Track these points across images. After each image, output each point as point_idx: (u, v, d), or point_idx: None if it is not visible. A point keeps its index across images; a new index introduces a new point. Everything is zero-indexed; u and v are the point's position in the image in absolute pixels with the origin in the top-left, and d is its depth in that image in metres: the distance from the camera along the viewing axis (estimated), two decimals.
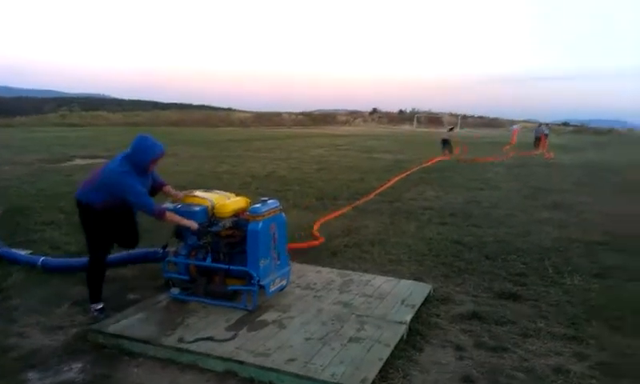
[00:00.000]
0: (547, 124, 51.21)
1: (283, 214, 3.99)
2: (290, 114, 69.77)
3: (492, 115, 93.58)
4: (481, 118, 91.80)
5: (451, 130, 24.43)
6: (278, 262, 3.90)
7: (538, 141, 29.01)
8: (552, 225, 7.18)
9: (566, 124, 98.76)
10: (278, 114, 66.98)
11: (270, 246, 3.78)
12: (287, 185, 10.38)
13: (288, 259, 4.09)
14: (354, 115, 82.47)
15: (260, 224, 3.65)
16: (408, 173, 13.02)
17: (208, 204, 3.82)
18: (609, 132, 79.27)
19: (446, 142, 21.06)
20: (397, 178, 11.69)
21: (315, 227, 6.45)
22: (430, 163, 16.09)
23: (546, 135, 41.97)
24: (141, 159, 3.55)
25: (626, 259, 5.42)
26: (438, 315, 3.84)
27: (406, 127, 69.45)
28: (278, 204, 3.93)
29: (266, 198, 3.90)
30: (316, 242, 5.78)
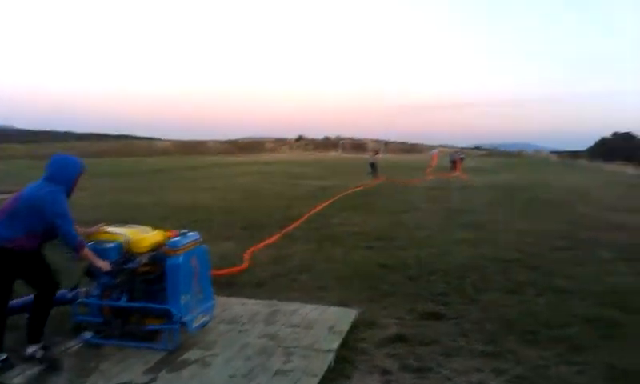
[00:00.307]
0: (462, 149, 54.84)
1: (205, 246, 3.87)
2: (216, 142, 68.80)
3: (412, 141, 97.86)
4: (402, 143, 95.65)
5: (376, 154, 25.55)
6: (201, 297, 3.75)
7: (453, 164, 30.74)
8: (469, 244, 7.54)
9: (478, 148, 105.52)
10: (203, 143, 65.78)
11: (192, 280, 3.64)
12: (212, 215, 10.14)
13: (212, 293, 3.95)
14: (280, 142, 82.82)
15: (180, 258, 3.51)
16: (334, 199, 13.18)
17: (122, 240, 3.62)
18: (518, 154, 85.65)
19: (373, 166, 22.14)
20: (324, 204, 11.80)
21: (246, 257, 6.33)
22: (356, 189, 16.43)
23: (462, 159, 44.75)
24: (67, 177, 3.31)
25: (536, 275, 5.79)
26: (364, 340, 3.86)
27: (332, 153, 70.73)
28: (199, 236, 3.81)
29: (185, 231, 3.76)
30: (238, 268, 5.72)
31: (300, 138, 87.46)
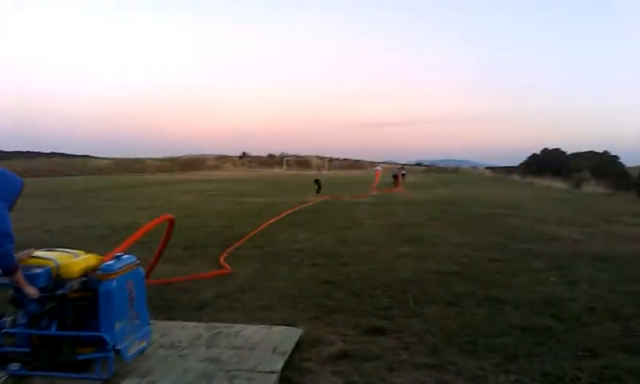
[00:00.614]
0: (403, 165, 56.92)
1: (141, 269, 3.72)
2: (154, 159, 66.90)
3: (356, 157, 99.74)
4: (346, 160, 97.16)
5: (320, 170, 26.03)
6: (137, 322, 3.59)
7: (395, 180, 31.55)
8: (411, 258, 7.72)
9: (419, 164, 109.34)
10: (141, 160, 63.75)
11: (127, 305, 3.47)
12: (150, 236, 9.78)
13: (148, 318, 3.80)
14: (223, 159, 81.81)
15: (114, 283, 3.35)
16: (279, 216, 13.14)
17: (51, 264, 3.41)
18: (456, 170, 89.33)
19: (317, 183, 22.60)
20: (268, 222, 11.72)
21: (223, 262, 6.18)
22: (301, 206, 16.45)
23: (403, 175, 46.17)
24: (9, 192, 3.10)
25: (474, 287, 6.00)
26: (309, 359, 3.83)
27: (276, 170, 70.67)
28: (135, 258, 3.66)
29: (120, 253, 3.60)
30: (224, 271, 6.39)
31: (243, 155, 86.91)
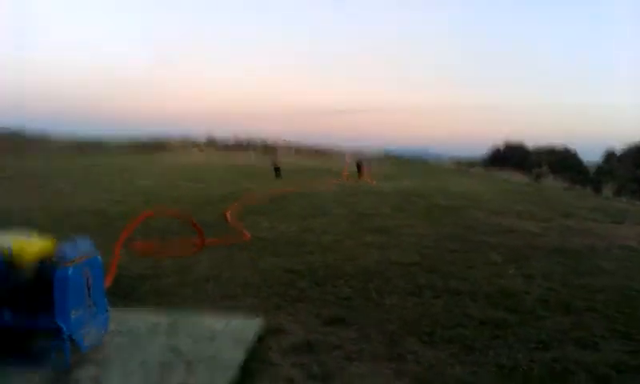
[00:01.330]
0: (370, 155, 57.17)
1: (98, 256, 3.64)
2: (115, 140, 65.02)
3: (325, 145, 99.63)
4: (313, 147, 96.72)
5: (276, 156, 26.28)
6: (94, 311, 3.52)
7: (359, 169, 31.73)
8: (375, 248, 7.84)
9: (387, 154, 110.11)
10: (100, 142, 61.85)
11: (83, 293, 3.40)
12: (109, 221, 9.58)
13: (106, 305, 3.73)
14: (187, 142, 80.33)
15: (70, 269, 3.27)
16: (243, 204, 13.05)
17: (3, 249, 3.30)
18: (422, 161, 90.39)
19: (277, 171, 22.73)
20: (232, 210, 11.63)
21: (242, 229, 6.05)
22: (267, 193, 16.38)
23: (369, 163, 46.30)
24: None
25: (434, 278, 6.16)
26: (270, 349, 3.86)
27: (243, 156, 69.90)
28: (92, 245, 3.58)
29: (77, 238, 3.52)
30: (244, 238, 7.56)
31: (209, 139, 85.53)
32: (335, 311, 4.79)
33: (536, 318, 4.81)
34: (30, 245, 3.43)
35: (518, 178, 35.60)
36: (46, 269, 3.35)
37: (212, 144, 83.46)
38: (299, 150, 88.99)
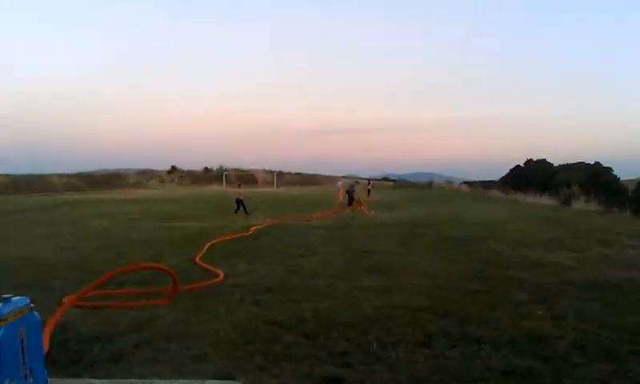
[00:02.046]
0: (370, 180, 57.72)
1: (36, 314, 3.56)
2: (62, 175, 64.86)
3: (310, 171, 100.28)
4: (298, 174, 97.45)
5: (239, 186, 26.46)
6: (31, 381, 3.43)
7: (350, 197, 31.93)
8: (375, 292, 7.79)
9: (386, 179, 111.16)
10: (44, 177, 61.65)
11: (18, 358, 3.31)
12: (54, 272, 9.45)
13: (45, 375, 3.63)
14: (147, 175, 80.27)
15: (1, 330, 3.19)
16: (216, 243, 12.98)
17: None
18: (429, 186, 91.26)
19: (239, 203, 23.82)
20: (202, 252, 11.56)
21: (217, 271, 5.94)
22: (245, 231, 16.33)
23: (368, 191, 46.95)
24: None
25: (447, 324, 6.11)
26: None
27: (215, 187, 70.03)
28: (28, 301, 3.51)
29: (9, 295, 3.44)
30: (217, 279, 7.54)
31: (173, 170, 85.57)
32: (330, 370, 4.71)
33: (570, 367, 4.77)
34: None
35: (543, 201, 35.90)
36: None
37: (177, 175, 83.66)
38: (285, 178, 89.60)
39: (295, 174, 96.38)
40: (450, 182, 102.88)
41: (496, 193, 53.37)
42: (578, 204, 31.56)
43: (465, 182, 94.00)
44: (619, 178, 50.03)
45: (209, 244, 12.73)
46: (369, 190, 49.29)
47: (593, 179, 42.55)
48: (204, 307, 6.91)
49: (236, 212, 23.87)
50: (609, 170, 50.26)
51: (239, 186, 26.79)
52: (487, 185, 67.18)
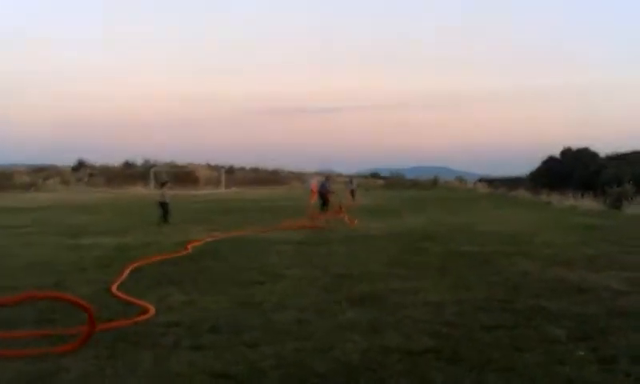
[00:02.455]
0: (351, 178, 57.80)
1: None
2: None
3: (272, 166, 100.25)
4: (255, 170, 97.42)
5: (164, 184, 26.27)
6: None
7: (324, 199, 31.97)
8: (362, 330, 7.80)
9: (376, 175, 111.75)
10: None
11: None
12: None
13: None
14: (44, 173, 79.24)
15: None
16: (140, 266, 12.88)
17: None
18: (433, 184, 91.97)
19: (164, 207, 24.23)
20: (121, 278, 11.46)
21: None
22: (183, 249, 16.24)
23: (352, 191, 47.21)
24: None
25: (458, 372, 6.16)
26: None
27: (139, 189, 69.51)
28: None
29: None
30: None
31: (80, 166, 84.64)
32: None
33: None
34: None
35: (586, 204, 36.48)
36: None
37: (86, 172, 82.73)
38: (237, 175, 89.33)
39: (251, 169, 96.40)
40: (462, 180, 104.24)
41: (523, 193, 54.14)
42: (633, 207, 32.10)
43: (482, 180, 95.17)
44: None
45: (131, 267, 12.61)
46: (352, 191, 49.44)
47: None
48: (124, 355, 6.85)
49: (163, 221, 23.99)
50: None
51: (163, 184, 26.44)
52: (512, 183, 68.03)
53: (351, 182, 52.13)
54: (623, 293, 10.20)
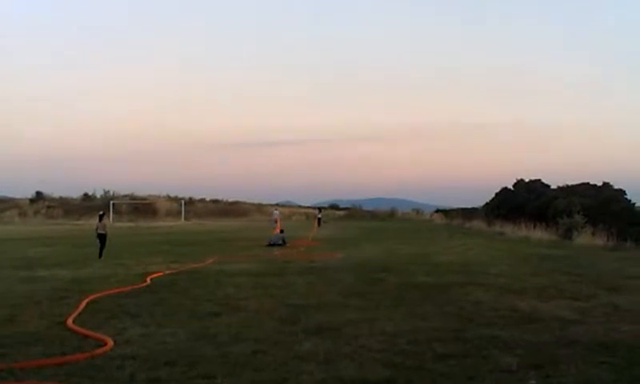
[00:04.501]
0: (319, 208, 60.03)
1: None
2: None
3: (232, 197, 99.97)
4: (215, 202, 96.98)
5: (102, 216, 25.98)
6: None
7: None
8: (318, 361, 7.77)
9: (335, 207, 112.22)
10: None
11: None
12: None
13: None
14: (1, 205, 77.92)
15: None
16: (97, 298, 12.70)
17: None
18: (391, 215, 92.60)
19: (101, 239, 23.95)
20: (77, 311, 11.28)
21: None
22: (142, 282, 16.06)
23: (319, 220, 48.05)
24: None
25: None
26: None
27: (96, 222, 68.40)
28: None
29: None
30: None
31: (38, 197, 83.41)
32: None
33: None
34: None
35: (538, 234, 36.96)
36: None
37: (44, 204, 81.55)
38: (196, 207, 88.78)
39: (211, 201, 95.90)
40: (418, 211, 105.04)
41: (478, 224, 54.69)
42: (582, 238, 32.62)
43: (438, 211, 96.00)
44: (635, 204, 51.53)
45: (87, 300, 12.43)
46: (319, 219, 50.08)
47: (601, 205, 44.07)
48: None
49: (100, 255, 23.45)
50: (621, 192, 51.98)
51: (102, 217, 25.89)
52: (468, 214, 68.64)
53: (319, 211, 55.14)
54: (573, 322, 10.34)
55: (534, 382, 6.81)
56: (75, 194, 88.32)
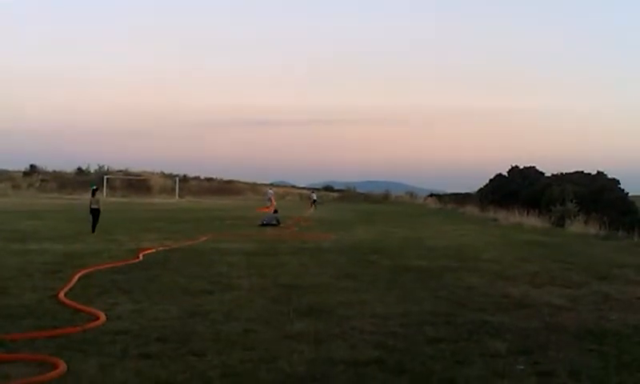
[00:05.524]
0: (313, 189, 59.93)
1: None
2: None
3: (227, 176, 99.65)
4: (210, 180, 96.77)
5: (95, 191, 25.95)
6: None
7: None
8: (308, 341, 7.81)
9: (329, 188, 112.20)
10: None
11: None
12: None
13: None
14: None
15: None
16: (89, 273, 12.70)
17: None
18: (385, 198, 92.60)
19: (94, 214, 24.04)
20: (69, 285, 11.28)
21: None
22: (144, 253, 16.10)
23: (314, 202, 48.34)
24: None
25: (403, 383, 6.20)
26: None
27: (85, 197, 68.32)
28: None
29: None
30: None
31: (32, 171, 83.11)
32: None
33: None
34: None
35: (531, 221, 37.06)
36: None
37: (38, 178, 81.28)
38: (191, 184, 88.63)
39: (205, 179, 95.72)
40: (412, 195, 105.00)
41: (472, 210, 54.77)
42: (575, 226, 32.74)
43: (432, 195, 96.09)
44: (628, 194, 51.65)
45: (79, 274, 12.43)
46: (314, 201, 50.26)
47: (594, 194, 44.26)
48: (70, 364, 6.73)
49: (93, 230, 23.61)
50: (615, 182, 52.16)
51: (94, 191, 25.77)
52: (461, 199, 68.83)
53: (313, 192, 55.83)
54: (563, 309, 10.39)
55: (522, 367, 6.86)
56: (69, 167, 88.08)
